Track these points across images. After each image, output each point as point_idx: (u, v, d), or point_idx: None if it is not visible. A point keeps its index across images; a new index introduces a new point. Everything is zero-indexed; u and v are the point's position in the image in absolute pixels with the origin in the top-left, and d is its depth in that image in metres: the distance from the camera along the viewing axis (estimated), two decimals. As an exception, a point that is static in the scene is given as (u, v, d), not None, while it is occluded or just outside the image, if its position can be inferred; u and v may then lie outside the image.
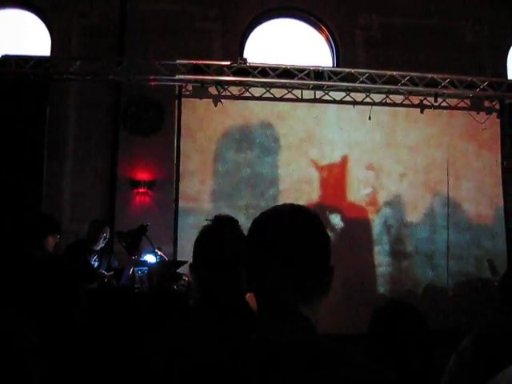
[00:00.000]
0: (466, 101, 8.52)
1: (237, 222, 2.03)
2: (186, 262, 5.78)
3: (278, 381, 1.16)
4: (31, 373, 1.63)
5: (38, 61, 7.50)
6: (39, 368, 1.77)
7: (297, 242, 1.28)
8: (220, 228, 1.96)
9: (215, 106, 8.05)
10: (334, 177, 8.21)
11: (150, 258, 6.21)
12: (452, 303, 8.12)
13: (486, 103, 8.62)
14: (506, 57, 9.20)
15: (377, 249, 8.18)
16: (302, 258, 1.27)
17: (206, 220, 1.99)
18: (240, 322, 1.59)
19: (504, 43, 9.19)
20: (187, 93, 8.07)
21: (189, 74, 7.61)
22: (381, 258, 8.18)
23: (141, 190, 7.88)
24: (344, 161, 8.22)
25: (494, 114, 8.68)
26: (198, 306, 2.02)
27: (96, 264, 6.43)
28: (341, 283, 7.39)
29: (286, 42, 8.81)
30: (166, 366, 1.70)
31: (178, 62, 7.54)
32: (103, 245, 6.51)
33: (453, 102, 8.50)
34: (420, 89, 8.01)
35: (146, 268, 5.87)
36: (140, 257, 6.22)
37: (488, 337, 2.31)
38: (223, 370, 1.25)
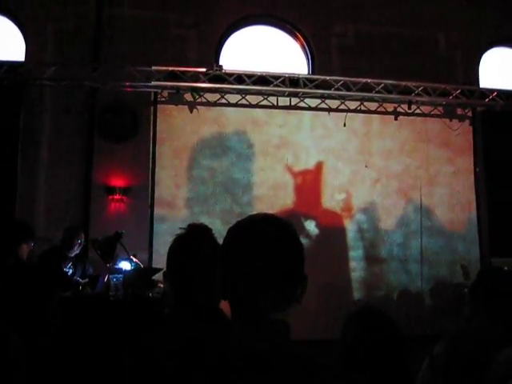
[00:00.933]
0: (439, 108, 8.65)
1: (210, 229, 2.04)
2: (161, 269, 5.76)
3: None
4: (19, 380, 1.63)
5: (11, 66, 7.43)
6: (25, 376, 1.77)
7: (270, 251, 1.29)
8: (194, 236, 1.98)
9: (191, 112, 8.06)
10: (309, 183, 8.26)
11: (126, 265, 6.18)
12: (426, 308, 8.21)
13: (459, 111, 8.77)
14: (478, 65, 9.33)
15: (351, 254, 8.24)
16: (276, 267, 1.28)
17: (180, 228, 2.00)
18: (214, 330, 1.60)
19: (476, 52, 9.33)
20: (163, 99, 8.06)
21: (164, 80, 7.61)
22: (355, 264, 8.23)
23: (116, 197, 7.81)
24: (319, 167, 8.28)
25: (467, 122, 8.83)
26: (172, 313, 2.02)
27: (71, 271, 6.38)
28: (316, 289, 7.43)
29: (262, 50, 8.83)
30: (143, 372, 1.71)
31: (153, 68, 7.53)
32: (78, 251, 6.47)
33: (426, 109, 8.61)
34: (394, 96, 8.10)
35: (121, 275, 5.83)
36: (115, 264, 6.18)
37: (460, 343, 2.34)
38: (198, 376, 1.27)
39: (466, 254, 8.51)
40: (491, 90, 8.38)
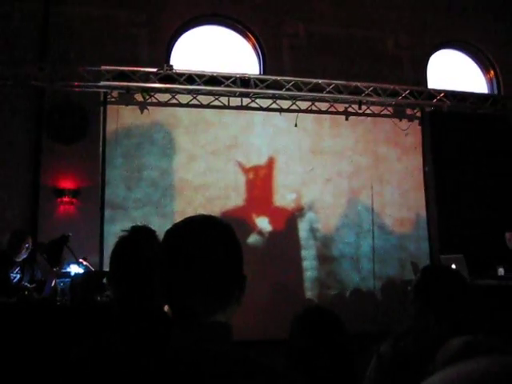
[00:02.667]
0: (389, 108, 8.80)
1: (154, 232, 2.02)
2: (111, 272, 5.67)
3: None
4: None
5: (-47, 65, 7.22)
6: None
7: (205, 253, 1.28)
8: (136, 239, 1.95)
9: (141, 112, 7.96)
10: (261, 183, 8.27)
11: (74, 269, 6.08)
12: (378, 306, 8.31)
13: (408, 111, 8.94)
14: (426, 67, 9.53)
15: (304, 253, 8.28)
16: (211, 269, 1.27)
17: (123, 231, 1.98)
18: (157, 334, 1.58)
19: (424, 54, 9.52)
20: (112, 99, 7.95)
21: (114, 80, 7.50)
22: (308, 263, 8.27)
23: (65, 199, 7.65)
24: (270, 167, 8.30)
25: (416, 122, 9.01)
26: (116, 317, 1.99)
27: (18, 276, 6.24)
28: (268, 288, 7.46)
29: (213, 50, 8.80)
30: (85, 378, 1.68)
31: (102, 67, 7.41)
32: (26, 256, 6.32)
33: (376, 109, 8.75)
34: (344, 96, 8.20)
35: (68, 279, 5.73)
36: (63, 268, 6.07)
37: (407, 341, 2.36)
38: (136, 381, 1.25)
39: (417, 252, 8.67)
40: (439, 91, 8.58)
